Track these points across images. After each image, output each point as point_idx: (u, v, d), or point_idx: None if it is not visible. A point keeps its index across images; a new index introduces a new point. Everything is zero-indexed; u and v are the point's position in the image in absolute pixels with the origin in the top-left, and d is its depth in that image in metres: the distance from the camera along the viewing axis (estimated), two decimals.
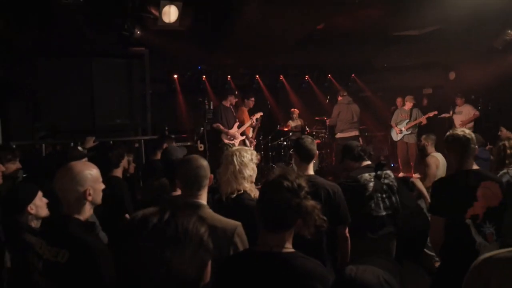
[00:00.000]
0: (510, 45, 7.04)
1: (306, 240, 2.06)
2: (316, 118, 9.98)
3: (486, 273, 1.34)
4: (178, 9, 5.28)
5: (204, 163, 2.10)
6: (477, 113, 7.98)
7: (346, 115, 7.78)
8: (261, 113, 7.17)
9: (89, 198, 1.86)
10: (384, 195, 3.09)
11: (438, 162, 4.59)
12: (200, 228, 1.03)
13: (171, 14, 5.24)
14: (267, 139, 8.86)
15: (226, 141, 6.44)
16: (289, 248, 1.54)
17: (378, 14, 6.42)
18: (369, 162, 3.25)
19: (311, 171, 2.79)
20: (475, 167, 2.59)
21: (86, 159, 3.36)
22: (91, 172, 1.89)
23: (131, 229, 1.02)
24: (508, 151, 3.31)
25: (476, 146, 2.65)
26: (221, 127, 6.47)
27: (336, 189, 2.65)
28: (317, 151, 2.86)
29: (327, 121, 8.63)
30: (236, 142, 6.46)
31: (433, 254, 4.56)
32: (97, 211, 2.87)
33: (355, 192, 3.02)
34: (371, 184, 3.07)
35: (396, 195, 3.18)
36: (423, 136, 5.10)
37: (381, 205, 3.06)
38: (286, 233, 1.54)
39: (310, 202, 1.55)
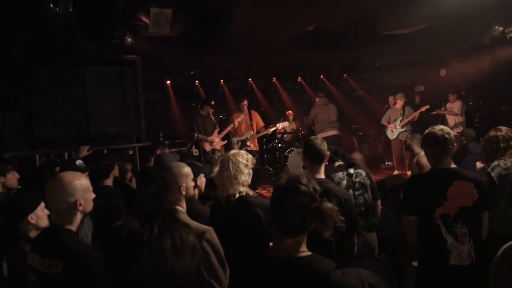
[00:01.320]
0: (498, 41, 7.12)
1: (317, 241, 2.09)
2: None
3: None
4: (169, 15, 5.31)
5: (183, 170, 2.14)
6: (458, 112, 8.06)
7: (323, 116, 7.96)
8: (287, 123, 7.51)
9: (80, 208, 1.88)
10: (356, 193, 3.23)
11: (426, 162, 4.61)
12: (189, 235, 1.08)
13: (161, 21, 5.27)
14: (262, 142, 8.90)
15: (207, 147, 6.58)
16: (305, 251, 1.51)
17: (367, 14, 6.49)
18: (341, 163, 3.41)
19: (322, 175, 2.74)
20: (452, 166, 2.54)
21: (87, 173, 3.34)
22: (81, 182, 1.92)
23: (122, 246, 1.06)
24: (502, 144, 3.24)
25: (455, 145, 2.60)
26: (202, 136, 6.67)
27: (348, 197, 2.63)
28: (328, 152, 2.82)
29: (304, 119, 8.71)
30: (218, 147, 6.57)
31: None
32: (91, 223, 2.90)
33: None
34: (344, 182, 3.23)
35: (369, 192, 3.30)
36: (408, 136, 5.07)
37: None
38: (303, 236, 1.52)
39: (328, 205, 1.53)
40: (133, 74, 6.41)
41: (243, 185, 2.52)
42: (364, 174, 3.35)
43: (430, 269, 2.48)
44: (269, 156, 8.97)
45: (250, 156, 2.67)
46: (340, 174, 3.28)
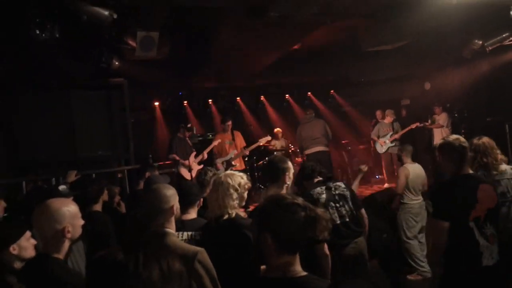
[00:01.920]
0: (478, 54, 7.32)
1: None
2: None
3: None
4: (155, 38, 5.34)
5: (168, 192, 2.12)
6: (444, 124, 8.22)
7: (306, 133, 8.02)
8: (269, 137, 7.38)
9: (68, 235, 1.83)
10: (337, 204, 3.33)
11: (408, 173, 4.68)
12: (175, 262, 1.05)
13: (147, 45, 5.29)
14: (252, 160, 8.87)
15: (183, 171, 6.54)
16: (300, 271, 1.50)
17: (350, 32, 6.64)
18: (320, 179, 3.52)
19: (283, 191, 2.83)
20: (470, 171, 2.69)
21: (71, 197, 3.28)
22: (69, 209, 1.87)
23: (105, 278, 1.03)
24: (471, 154, 3.21)
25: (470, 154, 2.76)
26: (177, 157, 6.61)
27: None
28: (290, 169, 2.88)
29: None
30: (193, 172, 6.52)
31: (417, 266, 4.62)
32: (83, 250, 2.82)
33: None
34: (324, 195, 3.33)
35: (350, 202, 3.40)
36: (399, 147, 5.36)
37: (336, 214, 3.28)
38: (296, 255, 1.51)
39: (320, 210, 1.54)
40: (120, 97, 6.40)
41: (232, 208, 2.47)
42: (343, 186, 3.47)
43: (461, 272, 2.56)
44: (259, 174, 8.93)
45: (244, 179, 2.58)
46: (318, 189, 3.37)
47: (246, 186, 2.57)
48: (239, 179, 2.55)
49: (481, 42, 6.84)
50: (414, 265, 4.65)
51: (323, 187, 3.38)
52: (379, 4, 5.55)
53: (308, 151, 7.90)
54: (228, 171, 2.66)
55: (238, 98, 10.03)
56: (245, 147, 7.31)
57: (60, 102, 5.97)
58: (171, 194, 2.12)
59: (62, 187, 3.48)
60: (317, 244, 2.65)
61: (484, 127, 7.25)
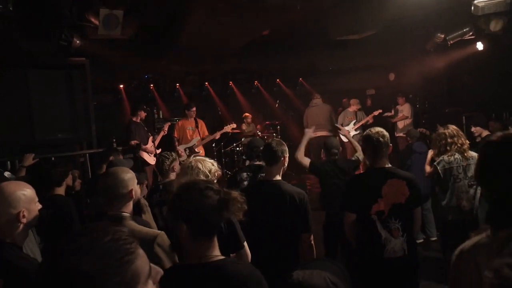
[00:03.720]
0: (440, 47, 7.58)
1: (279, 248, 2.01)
2: (267, 122, 10.12)
3: (474, 260, 1.26)
4: (119, 17, 5.13)
5: (126, 176, 2.06)
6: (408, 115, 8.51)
7: (312, 118, 8.23)
8: (234, 125, 7.33)
9: (23, 220, 1.75)
10: None
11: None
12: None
13: (111, 23, 5.07)
14: (219, 146, 8.83)
15: (145, 156, 6.45)
16: (218, 255, 1.50)
17: (319, 19, 6.67)
18: (258, 162, 3.47)
19: (278, 177, 2.75)
20: (387, 165, 2.71)
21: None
22: (24, 193, 1.78)
23: None
24: (449, 140, 3.59)
25: (391, 145, 2.76)
26: (138, 142, 6.44)
27: (303, 196, 2.66)
28: (286, 153, 2.80)
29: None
30: (152, 157, 6.47)
31: None
32: (42, 232, 2.71)
33: None
34: (245, 182, 3.38)
35: None
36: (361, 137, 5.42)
37: None
38: (214, 239, 1.50)
39: (234, 193, 1.53)
40: (82, 78, 6.11)
41: None
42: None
43: (367, 262, 2.68)
44: (227, 160, 8.92)
45: (215, 166, 2.53)
46: (244, 174, 3.40)
47: (216, 174, 2.51)
48: (210, 165, 2.49)
49: (443, 36, 7.08)
50: None
51: (250, 173, 3.38)
52: None
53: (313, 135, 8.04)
54: (198, 156, 2.60)
55: (206, 83, 9.89)
56: (207, 137, 7.15)
57: (16, 82, 5.62)
58: (129, 178, 2.06)
59: (7, 173, 3.29)
60: (304, 234, 2.66)
61: (443, 117, 7.57)
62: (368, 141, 2.70)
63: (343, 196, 2.84)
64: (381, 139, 2.65)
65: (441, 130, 3.76)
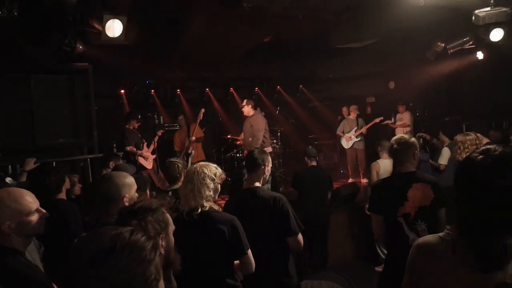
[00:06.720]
0: (441, 55, 7.63)
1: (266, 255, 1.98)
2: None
3: (414, 256, 1.42)
4: (123, 23, 5.16)
5: (121, 181, 2.04)
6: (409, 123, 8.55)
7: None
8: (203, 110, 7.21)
9: (27, 227, 1.74)
10: None
11: (378, 168, 4.87)
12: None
13: (115, 28, 5.10)
14: (220, 152, 8.84)
15: (142, 161, 6.47)
16: None
17: (321, 28, 6.72)
18: None
19: (258, 183, 2.81)
20: (412, 169, 2.83)
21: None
22: (26, 200, 1.77)
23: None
24: (470, 147, 3.73)
25: (417, 150, 2.88)
26: (134, 149, 6.47)
27: (279, 199, 2.68)
28: (268, 162, 2.85)
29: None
30: (149, 162, 6.54)
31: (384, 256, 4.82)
32: (43, 237, 2.70)
33: None
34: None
35: None
36: (376, 142, 5.44)
37: None
38: None
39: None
40: (84, 83, 6.13)
41: (207, 200, 2.39)
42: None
43: (397, 262, 2.64)
44: (227, 166, 8.91)
45: (219, 170, 2.52)
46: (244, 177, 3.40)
47: (221, 177, 2.51)
48: (215, 169, 2.49)
49: (443, 45, 7.12)
50: (382, 255, 4.82)
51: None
52: (349, 2, 5.65)
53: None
54: (202, 162, 2.60)
55: (207, 89, 9.91)
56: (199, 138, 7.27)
57: (19, 87, 5.65)
58: (124, 184, 2.04)
59: (8, 179, 3.29)
60: (289, 238, 2.67)
61: (442, 126, 7.60)
62: (390, 147, 2.90)
63: (369, 199, 2.96)
64: (395, 146, 2.81)
65: (461, 136, 3.88)
